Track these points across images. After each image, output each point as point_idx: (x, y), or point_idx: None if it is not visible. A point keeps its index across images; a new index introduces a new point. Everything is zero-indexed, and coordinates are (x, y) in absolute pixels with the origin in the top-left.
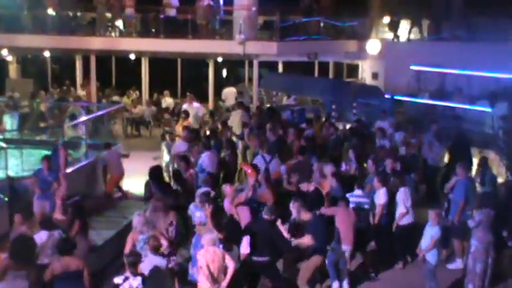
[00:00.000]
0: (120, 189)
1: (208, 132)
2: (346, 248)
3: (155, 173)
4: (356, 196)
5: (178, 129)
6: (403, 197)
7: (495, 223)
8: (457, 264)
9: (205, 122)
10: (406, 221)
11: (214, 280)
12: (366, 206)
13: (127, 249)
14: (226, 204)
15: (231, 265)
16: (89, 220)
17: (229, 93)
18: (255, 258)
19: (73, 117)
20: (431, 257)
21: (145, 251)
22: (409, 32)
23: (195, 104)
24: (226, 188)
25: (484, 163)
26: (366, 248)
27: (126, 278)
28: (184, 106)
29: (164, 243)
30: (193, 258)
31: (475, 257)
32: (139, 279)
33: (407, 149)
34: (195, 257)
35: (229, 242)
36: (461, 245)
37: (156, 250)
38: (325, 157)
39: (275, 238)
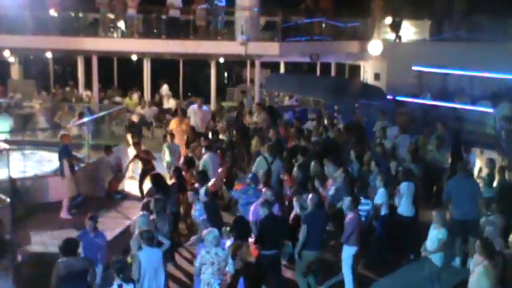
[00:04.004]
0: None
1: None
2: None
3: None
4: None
5: (173, 126)
6: (405, 189)
7: None
8: (456, 262)
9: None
10: (407, 213)
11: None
12: (367, 207)
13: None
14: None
15: (230, 269)
16: None
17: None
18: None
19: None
20: (437, 259)
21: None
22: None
23: (204, 108)
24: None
25: (492, 165)
26: (369, 248)
27: (120, 286)
28: (192, 108)
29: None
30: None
31: None
32: (131, 285)
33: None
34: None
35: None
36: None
37: (150, 242)
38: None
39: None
